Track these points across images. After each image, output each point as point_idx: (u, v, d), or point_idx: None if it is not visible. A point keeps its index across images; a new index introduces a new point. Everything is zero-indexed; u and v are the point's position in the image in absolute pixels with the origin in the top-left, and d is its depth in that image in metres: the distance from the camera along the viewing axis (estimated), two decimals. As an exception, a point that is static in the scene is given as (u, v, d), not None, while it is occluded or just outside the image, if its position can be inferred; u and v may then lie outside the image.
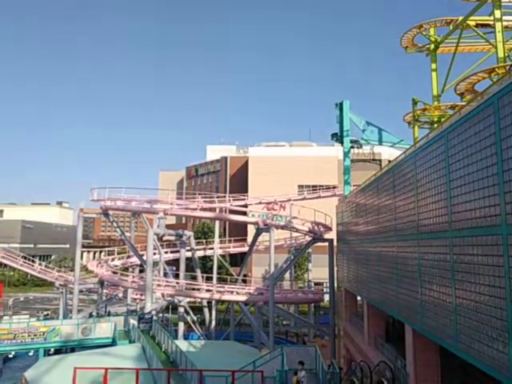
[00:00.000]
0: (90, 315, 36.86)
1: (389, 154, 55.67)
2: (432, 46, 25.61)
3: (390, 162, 17.43)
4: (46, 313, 48.84)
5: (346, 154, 28.00)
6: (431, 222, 11.47)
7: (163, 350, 22.97)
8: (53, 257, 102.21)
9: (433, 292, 11.30)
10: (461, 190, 9.71)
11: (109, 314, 37.77)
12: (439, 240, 10.94)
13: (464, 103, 18.18)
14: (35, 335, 27.35)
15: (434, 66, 25.60)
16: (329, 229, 34.00)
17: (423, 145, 12.37)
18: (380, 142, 29.43)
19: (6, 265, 46.27)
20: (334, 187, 51.14)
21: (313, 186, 56.25)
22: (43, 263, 46.22)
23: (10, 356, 33.52)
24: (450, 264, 10.24)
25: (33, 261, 44.05)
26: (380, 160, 62.40)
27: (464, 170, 9.59)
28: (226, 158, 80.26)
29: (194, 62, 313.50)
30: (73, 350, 29.39)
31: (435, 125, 23.76)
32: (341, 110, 27.79)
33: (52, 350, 29.02)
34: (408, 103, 26.12)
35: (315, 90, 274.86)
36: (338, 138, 28.34)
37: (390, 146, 30.56)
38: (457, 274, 9.87)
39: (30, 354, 29.75)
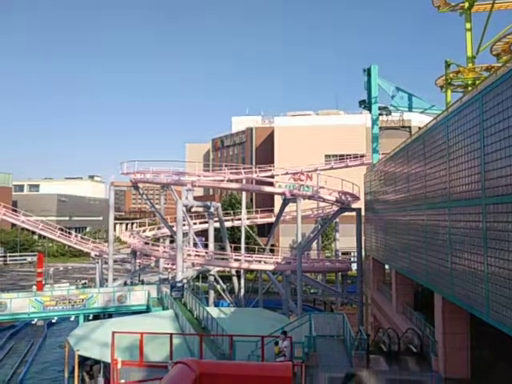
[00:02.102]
0: (125, 284, 38.43)
1: (419, 120, 53.87)
2: (466, 4, 24.10)
3: (420, 128, 16.89)
4: (83, 281, 51.30)
5: (374, 122, 27.29)
6: (463, 189, 11.16)
7: (195, 316, 23.85)
8: (88, 229, 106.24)
9: (464, 260, 11.13)
10: (496, 156, 9.35)
11: (142, 283, 39.28)
12: (471, 207, 10.67)
13: (500, 64, 17.20)
14: (75, 302, 28.98)
15: (468, 25, 24.16)
16: (356, 198, 33.67)
17: (456, 109, 11.89)
18: (410, 109, 28.45)
19: (45, 237, 48.44)
20: (362, 156, 50.23)
21: (340, 155, 55.34)
22: (79, 235, 48.20)
23: (53, 321, 35.69)
24: (482, 232, 10.01)
25: (69, 232, 45.99)
26: (410, 127, 60.45)
27: (500, 135, 9.19)
28: (251, 129, 79.78)
29: (218, 31, 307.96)
30: (110, 316, 30.93)
31: (469, 88, 22.67)
32: (369, 75, 26.89)
33: (91, 315, 30.66)
34: (440, 66, 25.01)
35: (342, 55, 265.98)
36: (366, 105, 27.58)
37: (420, 112, 29.53)
38: (490, 241, 9.65)
39: (71, 319, 31.53)
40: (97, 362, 21.20)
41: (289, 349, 13.82)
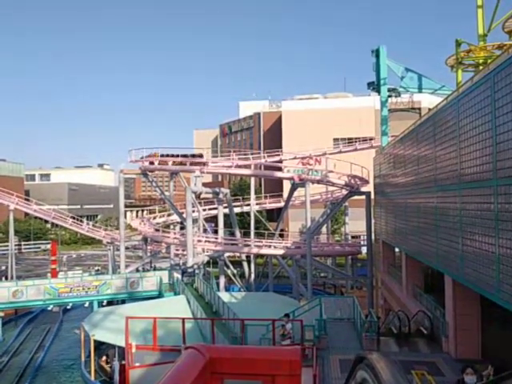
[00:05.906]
0: (137, 270, 38.96)
1: (429, 101, 52.98)
2: (478, -20, 23.33)
3: (430, 110, 16.62)
4: (96, 268, 52.11)
5: (383, 104, 26.90)
6: (474, 170, 11.02)
7: (206, 301, 24.14)
8: (99, 216, 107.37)
9: (474, 242, 11.06)
10: (508, 136, 9.19)
11: (154, 269, 39.75)
12: (483, 189, 10.55)
13: (513, 41, 16.75)
14: (89, 288, 29.50)
15: (480, 1, 23.44)
16: (366, 182, 33.47)
17: (467, 89, 11.66)
18: (420, 90, 27.92)
19: (57, 225, 49.10)
20: (371, 139, 49.68)
21: (349, 139, 54.83)
22: (90, 223, 48.80)
23: (68, 307, 36.45)
24: (493, 213, 9.91)
25: (81, 220, 46.55)
26: (419, 108, 59.51)
27: (511, 115, 9.01)
28: (259, 114, 79.17)
29: (224, 17, 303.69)
30: (123, 301, 31.43)
31: (480, 67, 22.15)
32: (377, 56, 26.37)
33: (104, 301, 31.22)
34: (451, 46, 24.35)
35: (350, 35, 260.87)
36: (375, 86, 27.13)
37: (430, 92, 28.99)
38: (501, 223, 9.56)
39: (86, 305, 32.12)
40: (112, 346, 21.68)
41: (293, 331, 14.05)
